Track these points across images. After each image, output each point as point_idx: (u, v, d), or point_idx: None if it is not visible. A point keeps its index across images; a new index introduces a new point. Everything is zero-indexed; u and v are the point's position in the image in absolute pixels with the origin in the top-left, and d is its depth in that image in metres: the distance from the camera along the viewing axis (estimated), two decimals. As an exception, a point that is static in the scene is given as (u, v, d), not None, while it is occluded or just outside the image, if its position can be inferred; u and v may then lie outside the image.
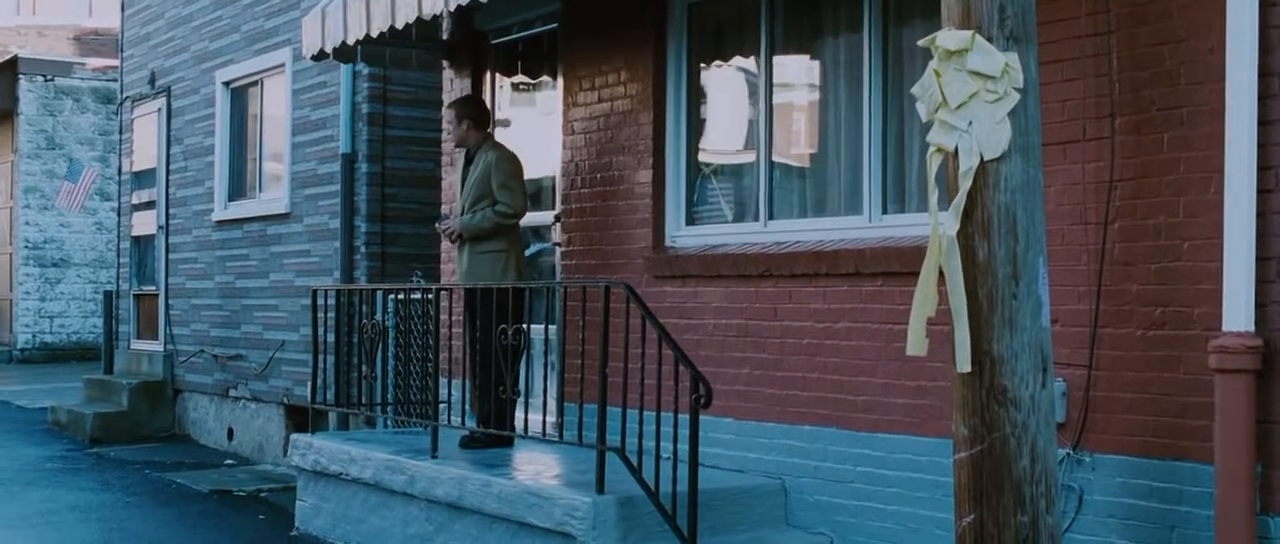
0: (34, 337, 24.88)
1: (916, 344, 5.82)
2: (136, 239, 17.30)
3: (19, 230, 24.99)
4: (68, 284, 25.14)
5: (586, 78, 9.93)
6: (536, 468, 8.88)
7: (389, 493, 9.42)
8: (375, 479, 9.53)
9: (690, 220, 9.36)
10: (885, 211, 8.07)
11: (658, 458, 7.61)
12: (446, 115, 10.65)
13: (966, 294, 5.63)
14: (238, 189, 15.06)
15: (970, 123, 5.68)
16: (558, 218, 10.21)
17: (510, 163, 9.58)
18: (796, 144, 8.90)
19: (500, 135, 11.03)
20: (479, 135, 9.73)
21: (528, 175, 9.91)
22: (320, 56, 10.89)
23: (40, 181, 24.32)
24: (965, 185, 5.63)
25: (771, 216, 8.75)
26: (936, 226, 5.72)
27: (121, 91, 17.84)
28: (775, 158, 8.82)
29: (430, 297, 10.46)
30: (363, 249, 12.56)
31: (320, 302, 10.72)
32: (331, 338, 11.53)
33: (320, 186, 13.17)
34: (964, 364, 5.65)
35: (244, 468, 13.66)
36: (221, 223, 15.07)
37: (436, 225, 10.10)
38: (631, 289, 7.90)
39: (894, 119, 8.05)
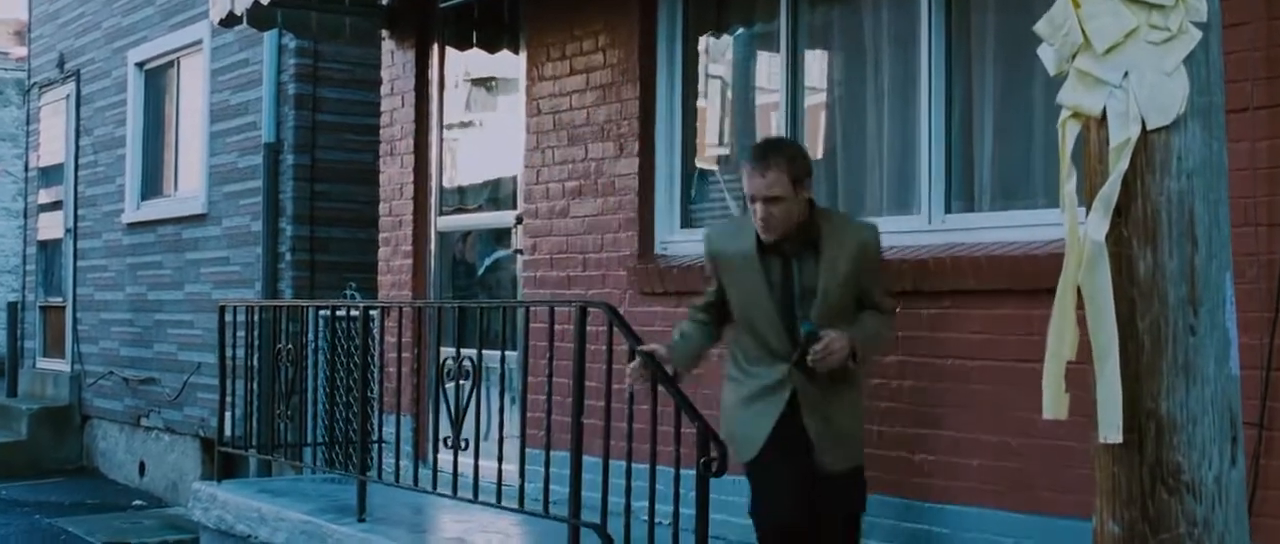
0: (-52, 351, 22.76)
1: (1054, 404, 3.85)
2: (43, 244, 15.26)
3: (-68, 233, 22.89)
4: (-14, 293, 23.04)
5: (556, 45, 7.99)
6: (489, 542, 6.94)
7: (304, 564, 7.46)
8: (289, 547, 7.58)
9: (687, 223, 7.44)
10: (949, 210, 6.15)
11: (652, 530, 5.69)
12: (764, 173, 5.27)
13: (1119, 326, 3.69)
14: (152, 187, 13.06)
15: (1126, 74, 3.73)
16: (519, 219, 8.26)
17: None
18: (828, 124, 6.95)
19: (453, 120, 9.10)
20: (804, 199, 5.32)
21: (484, 170, 8.00)
22: (231, 21, 8.98)
23: (-41, 181, 22.21)
24: (1119, 167, 3.68)
25: (794, 217, 6.82)
26: (1075, 229, 3.76)
27: (29, 77, 15.79)
28: (798, 141, 6.88)
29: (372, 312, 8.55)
30: (288, 256, 10.58)
31: (230, 319, 8.76)
32: (253, 363, 9.55)
33: (241, 182, 11.19)
34: (1112, 430, 3.72)
35: (153, 511, 11.65)
36: (133, 225, 13.06)
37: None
38: (614, 310, 6.02)
39: (961, 88, 6.15)
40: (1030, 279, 5.53)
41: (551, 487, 6.26)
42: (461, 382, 6.94)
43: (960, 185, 6.15)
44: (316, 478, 9.05)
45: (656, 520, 5.83)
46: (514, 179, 8.47)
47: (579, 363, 6.01)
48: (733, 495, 6.24)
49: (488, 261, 8.84)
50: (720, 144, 7.50)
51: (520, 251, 8.26)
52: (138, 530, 10.72)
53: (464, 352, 6.89)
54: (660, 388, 5.63)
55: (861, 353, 5.17)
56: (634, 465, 5.85)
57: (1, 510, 11.71)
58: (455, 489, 6.85)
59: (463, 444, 6.82)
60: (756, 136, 7.34)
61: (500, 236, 8.64)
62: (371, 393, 8.97)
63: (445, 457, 7.02)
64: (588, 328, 6.11)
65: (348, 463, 8.61)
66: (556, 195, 7.95)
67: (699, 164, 7.47)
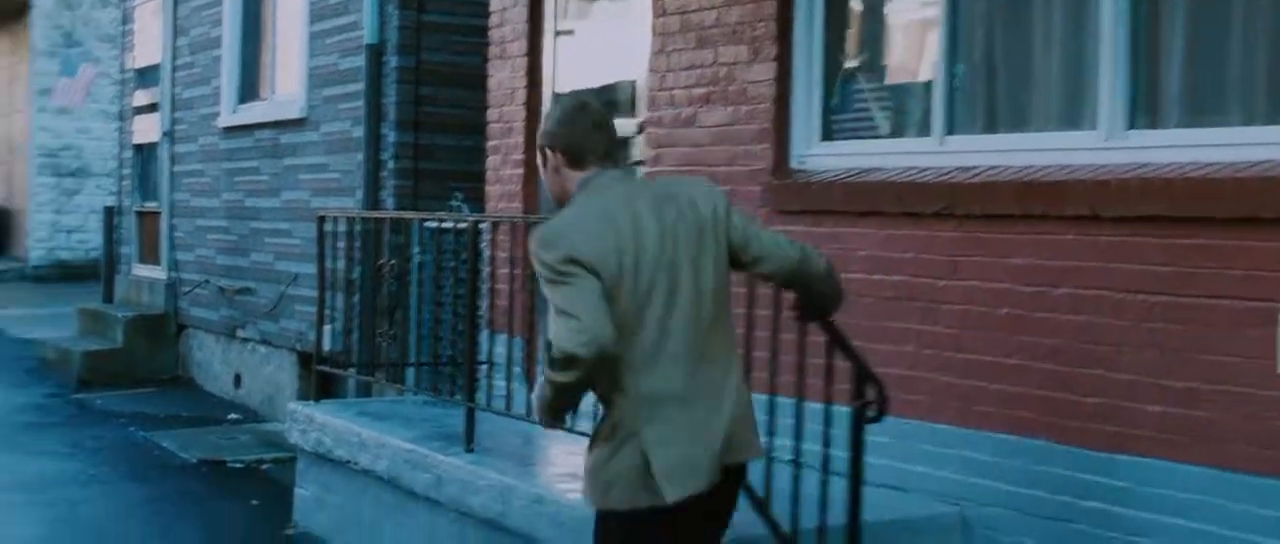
0: (49, 252, 22.65)
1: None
2: (138, 147, 14.85)
3: (33, 136, 22.66)
4: (86, 195, 22.88)
5: (684, -61, 7.36)
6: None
7: (409, 495, 6.97)
8: (391, 474, 7.09)
9: (828, 134, 6.81)
10: (1132, 126, 5.48)
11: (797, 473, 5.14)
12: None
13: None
14: (249, 89, 12.58)
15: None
16: (640, 128, 7.67)
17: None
18: (987, 23, 6.25)
19: (569, 21, 8.50)
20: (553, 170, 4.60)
21: (602, 76, 7.40)
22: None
23: (55, 83, 21.92)
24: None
25: (951, 131, 6.18)
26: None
27: (125, -25, 15.36)
28: (958, 45, 6.23)
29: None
30: (391, 164, 10.04)
31: (330, 229, 8.26)
32: (352, 276, 9.08)
33: (342, 85, 10.65)
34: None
35: (248, 427, 11.24)
36: (230, 129, 12.59)
37: None
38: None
39: (1151, -13, 5.47)
40: (1232, 206, 4.88)
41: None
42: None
43: (1145, 98, 5.48)
44: (418, 401, 8.54)
45: (802, 462, 5.25)
46: (634, 85, 7.87)
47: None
48: (884, 437, 5.66)
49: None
50: (867, 47, 6.84)
51: (641, 163, 7.67)
52: (233, 447, 10.32)
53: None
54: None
55: None
56: (777, 400, 5.29)
57: (97, 421, 11.36)
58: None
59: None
60: (909, 38, 6.70)
61: (624, 145, 8.05)
62: (479, 312, 8.47)
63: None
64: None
65: (453, 387, 8.10)
66: (682, 103, 7.34)
67: (842, 71, 6.82)
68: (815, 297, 4.45)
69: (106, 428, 11.10)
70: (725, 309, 4.17)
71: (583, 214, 4.07)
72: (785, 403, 5.35)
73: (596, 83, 8.43)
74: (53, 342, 14.20)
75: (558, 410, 4.09)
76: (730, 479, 4.16)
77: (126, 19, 15.32)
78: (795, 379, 5.28)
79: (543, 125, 4.28)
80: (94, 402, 12.25)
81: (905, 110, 6.59)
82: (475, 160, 9.78)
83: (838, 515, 5.14)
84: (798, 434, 5.25)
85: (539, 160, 4.32)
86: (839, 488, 5.15)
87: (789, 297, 4.70)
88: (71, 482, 9.17)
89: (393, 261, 7.94)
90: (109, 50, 22.08)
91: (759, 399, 4.70)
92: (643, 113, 7.68)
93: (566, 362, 3.86)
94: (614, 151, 4.26)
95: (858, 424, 4.94)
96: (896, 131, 6.62)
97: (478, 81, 9.82)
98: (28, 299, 19.83)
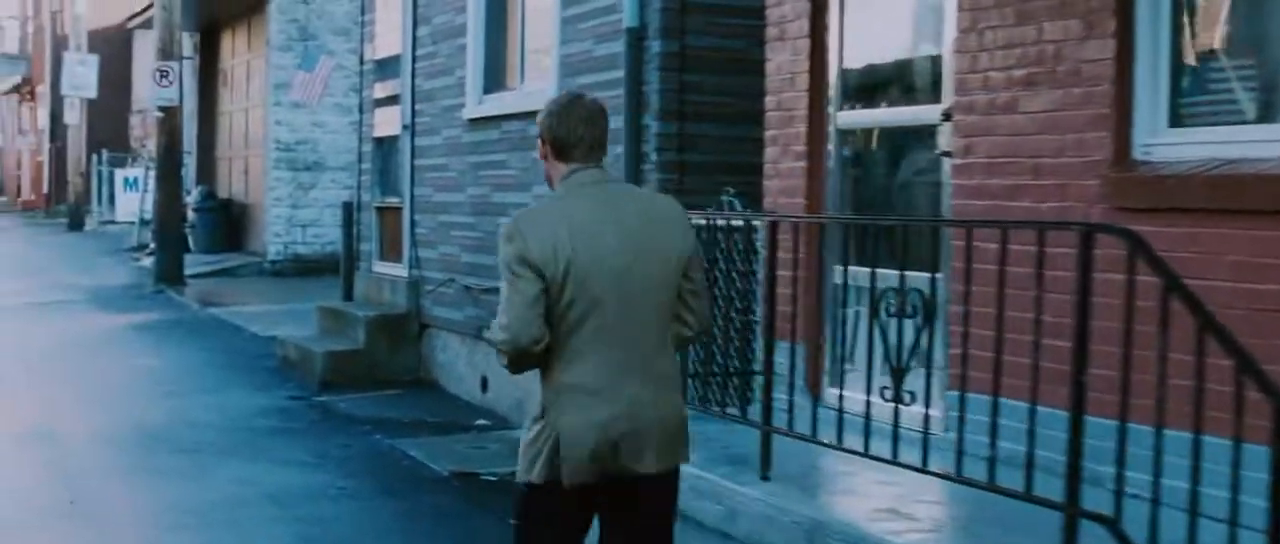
0: (285, 247, 22.61)
1: None
2: (378, 141, 14.42)
3: (269, 130, 22.61)
4: (321, 190, 22.80)
5: (999, -101, 6.51)
6: (933, 514, 5.61)
7: (696, 526, 6.26)
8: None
9: (1176, 121, 5.92)
10: None
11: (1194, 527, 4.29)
12: None
13: None
14: (495, 79, 12.00)
15: None
16: (947, 115, 6.85)
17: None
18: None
19: (857, 3, 7.71)
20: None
21: (898, 56, 6.60)
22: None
23: (292, 76, 21.76)
24: None
25: (1342, 113, 5.25)
26: None
27: (364, -36, 14.95)
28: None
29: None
30: (654, 157, 9.33)
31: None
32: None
33: (597, 73, 9.99)
34: None
35: (498, 434, 10.66)
36: (475, 121, 12.03)
37: None
38: (1138, 239, 4.54)
39: None
40: None
41: (1010, 447, 4.90)
42: (894, 314, 5.60)
43: None
44: (691, 412, 7.85)
45: (1199, 512, 4.40)
46: (937, 66, 7.04)
47: (1082, 300, 4.60)
48: (1254, 470, 4.75)
49: (902, 166, 7.46)
50: (1229, 18, 5.91)
51: (948, 155, 6.85)
52: (484, 458, 9.74)
53: (878, 273, 5.59)
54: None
55: None
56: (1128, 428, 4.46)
57: (341, 427, 10.90)
58: (868, 444, 5.53)
59: (886, 394, 5.53)
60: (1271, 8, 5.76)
61: (919, 136, 7.23)
62: (752, 317, 7.78)
63: (852, 397, 5.74)
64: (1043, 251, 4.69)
65: (725, 400, 7.38)
66: (999, 86, 6.49)
67: (1195, 46, 5.91)
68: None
69: (352, 435, 10.63)
70: (670, 327, 4.33)
71: (548, 211, 4.31)
72: (1179, 438, 4.50)
73: (892, 65, 7.64)
74: (293, 340, 13.85)
75: (515, 370, 4.38)
76: (654, 483, 4.31)
77: (365, 9, 14.91)
78: (1193, 410, 4.42)
79: (540, 113, 4.43)
80: (337, 405, 11.82)
81: (1276, 90, 5.66)
82: (743, 152, 9.07)
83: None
84: (1194, 476, 4.40)
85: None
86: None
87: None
88: (321, 496, 8.67)
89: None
90: (343, 43, 21.91)
91: (1142, 430, 3.89)
92: (949, 98, 6.85)
93: (497, 348, 4.29)
94: (600, 147, 4.35)
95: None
96: (1260, 117, 5.69)
97: (746, 66, 9.11)
98: (265, 294, 19.71)
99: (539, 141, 4.43)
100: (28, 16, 48.23)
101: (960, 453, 5.35)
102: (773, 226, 6.73)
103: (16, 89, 49.01)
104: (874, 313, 5.65)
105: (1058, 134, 6.21)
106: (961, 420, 5.42)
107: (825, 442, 6.06)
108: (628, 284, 4.18)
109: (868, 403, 5.80)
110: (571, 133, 4.32)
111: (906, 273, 5.65)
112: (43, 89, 42.66)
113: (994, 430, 5.20)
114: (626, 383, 4.22)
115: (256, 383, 12.88)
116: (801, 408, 6.47)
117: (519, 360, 4.26)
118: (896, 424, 5.68)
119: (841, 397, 6.18)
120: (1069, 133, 6.12)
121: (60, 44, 37.78)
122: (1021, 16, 6.36)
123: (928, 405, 5.91)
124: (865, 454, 5.80)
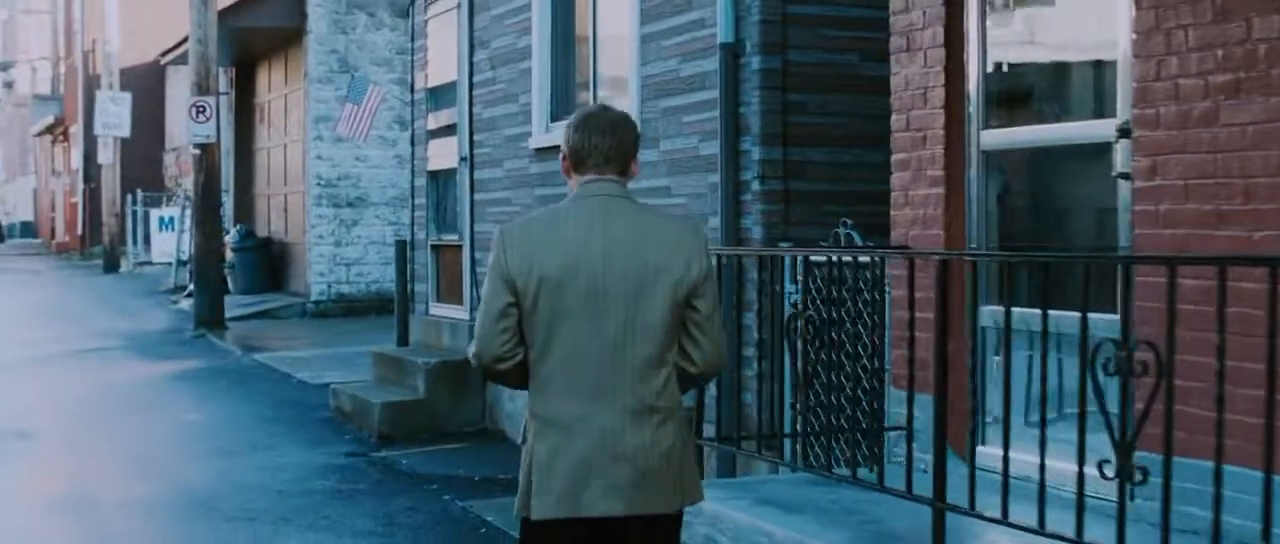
0: (329, 287, 21.78)
1: None
2: (433, 174, 13.51)
3: (310, 166, 21.76)
4: (365, 226, 21.97)
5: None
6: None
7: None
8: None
9: None
10: None
11: None
12: None
13: None
14: (563, 105, 11.09)
15: None
16: (1124, 131, 5.88)
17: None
18: None
19: (1002, 4, 6.76)
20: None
21: (1057, 64, 5.66)
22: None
23: (333, 109, 20.88)
24: None
25: None
26: None
27: (413, -11, 14.05)
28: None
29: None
30: (755, 186, 8.35)
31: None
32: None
33: (685, 94, 9.05)
34: None
35: (577, 492, 9.68)
36: (542, 151, 11.11)
37: None
38: None
39: None
40: None
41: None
42: (1114, 373, 4.67)
43: None
44: (798, 479, 6.94)
45: None
46: (1112, 73, 6.07)
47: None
48: None
49: (1060, 191, 6.49)
50: None
51: (1125, 176, 5.87)
52: (568, 522, 8.77)
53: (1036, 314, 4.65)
54: None
55: None
56: None
57: (407, 488, 9.96)
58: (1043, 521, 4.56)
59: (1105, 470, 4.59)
60: None
61: (1084, 156, 6.26)
62: (882, 364, 6.84)
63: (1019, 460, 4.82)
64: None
65: (855, 459, 6.41)
66: (1193, 95, 5.53)
67: None
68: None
69: (419, 496, 9.69)
70: (665, 357, 4.04)
71: (540, 222, 4.15)
72: None
73: (1048, 75, 6.69)
74: (347, 390, 12.93)
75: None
76: (641, 528, 4.06)
77: (416, 34, 14.02)
78: None
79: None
80: (399, 461, 10.89)
81: None
82: (855, 178, 8.17)
83: None
84: None
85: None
86: None
87: None
88: (392, 572, 7.75)
89: (810, 314, 6.28)
90: (386, 74, 21.11)
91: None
92: (1125, 111, 5.88)
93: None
94: (618, 159, 4.13)
95: None
96: None
97: (856, 83, 8.21)
98: (310, 338, 18.84)
99: (560, 156, 4.25)
100: (60, 57, 47.71)
101: (1167, 528, 4.57)
102: (940, 265, 5.77)
103: (50, 130, 48.54)
104: (1085, 368, 4.70)
105: (1266, 151, 5.24)
106: (1166, 488, 4.59)
107: (993, 519, 5.15)
108: (606, 305, 3.98)
109: (1042, 468, 4.99)
110: (586, 142, 4.13)
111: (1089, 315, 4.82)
112: (76, 129, 42.04)
113: (1217, 502, 4.40)
114: (599, 414, 4.00)
115: (309, 438, 11.97)
116: (956, 474, 5.56)
117: (492, 378, 4.18)
118: (1080, 494, 4.84)
119: (1006, 459, 5.26)
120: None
121: (92, 83, 37.14)
122: (1222, 13, 5.40)
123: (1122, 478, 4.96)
124: (1041, 531, 4.96)
